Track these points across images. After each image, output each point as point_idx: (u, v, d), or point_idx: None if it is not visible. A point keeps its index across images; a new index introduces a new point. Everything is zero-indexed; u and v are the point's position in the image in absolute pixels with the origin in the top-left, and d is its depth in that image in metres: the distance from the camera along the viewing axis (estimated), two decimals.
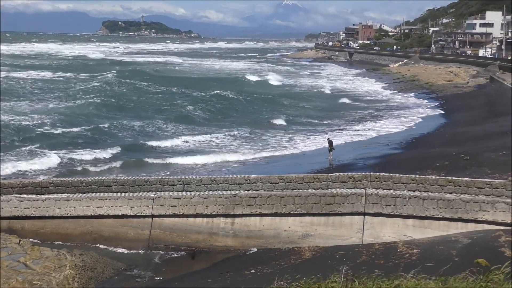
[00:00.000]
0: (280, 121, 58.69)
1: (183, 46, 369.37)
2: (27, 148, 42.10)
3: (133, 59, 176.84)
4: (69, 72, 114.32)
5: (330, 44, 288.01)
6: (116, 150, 42.74)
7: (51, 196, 24.65)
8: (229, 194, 23.92)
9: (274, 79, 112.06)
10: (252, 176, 26.09)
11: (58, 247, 22.34)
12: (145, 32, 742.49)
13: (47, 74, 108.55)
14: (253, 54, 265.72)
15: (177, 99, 76.17)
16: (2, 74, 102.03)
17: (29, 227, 24.09)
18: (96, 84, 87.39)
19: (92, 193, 25.18)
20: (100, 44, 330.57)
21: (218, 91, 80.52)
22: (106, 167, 38.01)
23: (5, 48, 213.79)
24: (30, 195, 24.86)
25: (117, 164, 38.77)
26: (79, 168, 37.49)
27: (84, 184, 25.72)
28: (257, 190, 24.77)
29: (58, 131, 49.41)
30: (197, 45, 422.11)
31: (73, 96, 76.25)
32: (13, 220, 24.11)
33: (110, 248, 23.51)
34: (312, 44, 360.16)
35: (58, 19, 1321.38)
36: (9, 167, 36.41)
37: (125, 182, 25.74)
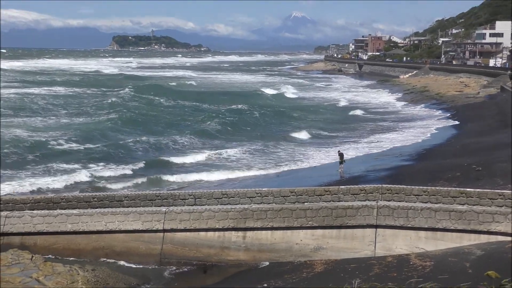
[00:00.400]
0: (304, 135, 58.55)
1: (195, 60, 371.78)
2: (48, 164, 42.10)
3: (148, 74, 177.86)
4: (84, 87, 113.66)
5: (339, 56, 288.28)
6: (138, 166, 42.38)
7: (63, 211, 24.73)
8: (240, 208, 23.91)
9: (290, 92, 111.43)
10: (263, 189, 26.08)
11: (70, 263, 22.36)
12: (155, 46, 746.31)
13: (63, 90, 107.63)
14: (264, 67, 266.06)
15: (197, 113, 75.33)
16: (17, 90, 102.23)
17: (42, 242, 24.16)
18: (113, 99, 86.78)
19: (104, 208, 25.23)
20: (113, 59, 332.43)
21: (239, 106, 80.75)
22: (129, 183, 37.67)
23: (19, 64, 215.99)
24: (42, 211, 24.94)
25: (140, 180, 38.36)
26: (102, 185, 37.21)
27: (95, 199, 25.78)
28: (268, 203, 24.74)
29: (80, 147, 49.29)
30: (208, 59, 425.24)
31: (91, 111, 75.50)
32: (26, 236, 24.20)
33: (122, 263, 23.54)
34: (322, 56, 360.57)
35: (69, 35, 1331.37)
36: (27, 184, 36.34)
37: (136, 197, 25.77)
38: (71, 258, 23.63)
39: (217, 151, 48.90)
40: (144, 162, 43.43)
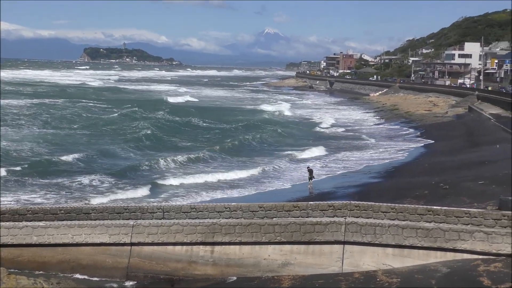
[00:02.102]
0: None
1: (172, 74, 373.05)
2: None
3: (136, 88, 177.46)
4: (90, 101, 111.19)
5: (308, 72, 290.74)
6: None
7: (29, 223, 24.38)
8: (208, 222, 23.83)
9: (286, 110, 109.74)
10: (232, 204, 26.02)
11: (35, 276, 22.03)
12: (127, 59, 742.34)
13: (70, 104, 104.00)
14: (244, 82, 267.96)
15: (227, 132, 73.15)
16: (16, 102, 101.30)
17: (6, 255, 23.75)
18: (142, 122, 77.83)
19: (71, 220, 24.94)
20: (94, 71, 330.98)
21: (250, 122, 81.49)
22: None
23: (3, 74, 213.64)
24: (7, 223, 24.56)
25: None
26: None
27: (62, 211, 25.47)
28: (237, 218, 24.68)
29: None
30: (185, 73, 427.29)
31: (128, 133, 68.83)
32: None
33: (87, 277, 23.27)
34: (294, 73, 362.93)
35: (40, 46, 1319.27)
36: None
37: (104, 210, 25.53)
38: (36, 272, 23.28)
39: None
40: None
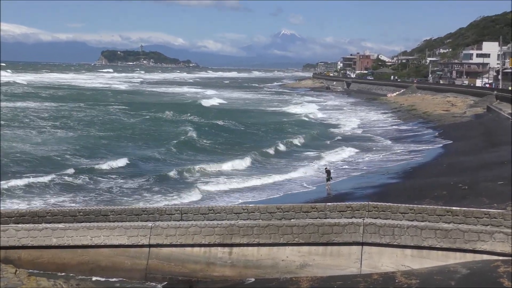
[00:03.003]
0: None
1: (194, 76, 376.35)
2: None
3: (163, 90, 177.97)
4: (117, 103, 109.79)
5: (322, 73, 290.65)
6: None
7: (48, 225, 24.57)
8: (226, 224, 23.86)
9: (317, 112, 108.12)
10: (250, 205, 26.04)
11: (54, 277, 22.20)
12: (144, 61, 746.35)
13: (118, 109, 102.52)
14: (266, 84, 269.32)
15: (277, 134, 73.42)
16: (51, 105, 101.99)
17: (26, 257, 23.96)
18: (185, 127, 75.91)
19: (90, 222, 25.10)
20: (117, 74, 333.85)
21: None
22: None
23: (29, 78, 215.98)
24: (27, 225, 24.76)
25: None
26: None
27: (81, 213, 25.64)
28: (255, 219, 24.69)
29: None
30: (205, 74, 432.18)
31: (163, 138, 66.95)
32: (10, 250, 23.98)
33: (107, 278, 23.41)
34: (310, 74, 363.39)
35: (58, 49, 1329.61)
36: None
37: (122, 212, 25.66)
38: (56, 273, 23.45)
39: None
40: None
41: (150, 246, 23.82)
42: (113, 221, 25.09)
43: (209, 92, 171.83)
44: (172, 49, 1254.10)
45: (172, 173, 44.43)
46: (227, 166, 48.63)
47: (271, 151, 57.54)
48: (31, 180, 40.12)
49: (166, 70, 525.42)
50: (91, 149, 55.84)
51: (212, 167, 47.73)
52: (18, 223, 25.03)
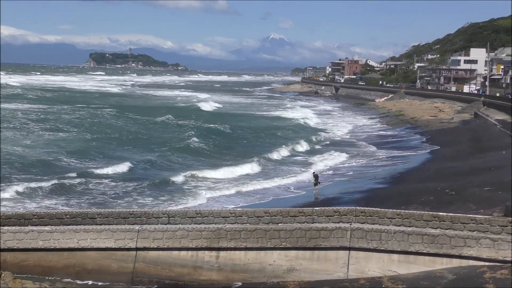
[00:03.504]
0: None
1: (185, 79, 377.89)
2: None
3: (158, 93, 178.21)
4: (124, 111, 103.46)
5: (309, 77, 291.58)
6: None
7: (34, 228, 24.40)
8: (214, 228, 23.81)
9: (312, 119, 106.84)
10: (238, 209, 26.01)
11: (40, 280, 22.08)
12: (132, 64, 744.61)
13: (116, 112, 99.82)
14: (256, 88, 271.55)
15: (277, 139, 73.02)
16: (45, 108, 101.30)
17: (11, 259, 23.78)
18: (190, 132, 74.65)
19: (76, 225, 24.96)
20: (108, 77, 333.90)
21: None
22: None
23: (22, 80, 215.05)
24: (13, 227, 24.58)
25: None
26: None
27: (68, 216, 25.48)
28: (243, 223, 24.66)
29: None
30: (197, 78, 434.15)
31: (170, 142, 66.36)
32: None
33: (93, 282, 23.29)
34: (299, 78, 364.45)
35: (46, 50, 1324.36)
36: None
37: (109, 215, 25.54)
38: (42, 276, 23.30)
39: None
40: None
41: (137, 249, 23.72)
42: (100, 224, 24.96)
43: (203, 95, 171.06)
44: (161, 52, 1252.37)
45: (176, 178, 44.16)
46: (233, 171, 48.57)
47: (275, 156, 57.59)
48: (35, 184, 39.87)
49: (156, 73, 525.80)
50: (93, 153, 55.37)
51: (217, 172, 47.49)
52: (4, 226, 24.84)
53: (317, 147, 66.25)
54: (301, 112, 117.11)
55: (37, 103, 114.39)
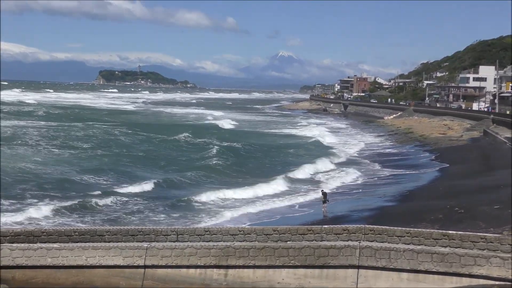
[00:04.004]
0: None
1: (197, 96, 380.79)
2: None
3: (174, 111, 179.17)
4: (143, 131, 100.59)
5: (331, 97, 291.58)
6: None
7: (43, 245, 24.43)
8: (222, 245, 23.76)
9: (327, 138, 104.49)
10: (246, 227, 25.98)
11: None
12: (141, 81, 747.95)
13: (138, 132, 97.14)
14: (267, 105, 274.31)
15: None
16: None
17: (20, 276, 23.79)
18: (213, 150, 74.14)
19: (85, 242, 24.98)
20: (121, 94, 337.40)
21: None
22: None
23: (37, 97, 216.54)
24: (22, 244, 24.63)
25: None
26: None
27: (77, 233, 25.52)
28: (251, 241, 24.61)
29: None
30: (209, 95, 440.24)
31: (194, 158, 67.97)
32: (4, 269, 23.83)
33: None
34: (307, 96, 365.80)
35: (56, 68, 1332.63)
36: None
37: (118, 232, 25.55)
38: None
39: None
40: None
41: (145, 267, 23.69)
42: (109, 241, 24.98)
43: (217, 113, 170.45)
44: (170, 70, 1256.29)
45: (198, 197, 44.22)
46: (255, 189, 48.55)
47: (298, 175, 57.19)
48: (63, 203, 40.27)
49: (167, 90, 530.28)
50: (112, 172, 55.14)
51: (240, 191, 47.48)
52: (13, 243, 24.90)
53: (332, 166, 65.57)
54: (315, 130, 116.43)
55: (57, 120, 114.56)
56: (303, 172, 58.83)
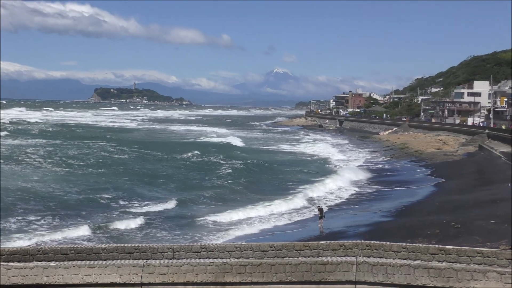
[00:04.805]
0: None
1: (195, 113, 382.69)
2: None
3: (179, 129, 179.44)
4: (150, 148, 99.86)
5: (322, 112, 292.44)
6: None
7: (39, 263, 24.33)
8: (219, 262, 23.70)
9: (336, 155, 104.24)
10: (243, 243, 25.93)
11: None
12: (137, 99, 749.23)
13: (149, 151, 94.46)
14: (268, 121, 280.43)
15: None
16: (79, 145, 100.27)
17: None
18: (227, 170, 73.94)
19: (81, 260, 24.90)
20: (120, 112, 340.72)
21: None
22: None
23: (39, 115, 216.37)
24: (18, 263, 24.53)
25: None
26: None
27: (73, 251, 25.44)
28: (248, 258, 24.56)
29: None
30: (208, 112, 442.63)
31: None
32: None
33: None
34: (303, 112, 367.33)
35: (51, 86, 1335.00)
36: None
37: (114, 250, 25.48)
38: None
39: None
40: None
41: (142, 284, 23.60)
42: (105, 259, 24.90)
43: (222, 130, 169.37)
44: (165, 87, 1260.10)
45: (215, 218, 44.12)
46: (270, 208, 48.42)
47: (312, 193, 56.51)
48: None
49: (164, 107, 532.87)
50: (123, 192, 54.96)
51: (255, 210, 47.44)
52: (8, 261, 24.81)
53: (328, 180, 65.27)
54: (322, 148, 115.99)
55: (66, 139, 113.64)
56: (314, 190, 57.92)
